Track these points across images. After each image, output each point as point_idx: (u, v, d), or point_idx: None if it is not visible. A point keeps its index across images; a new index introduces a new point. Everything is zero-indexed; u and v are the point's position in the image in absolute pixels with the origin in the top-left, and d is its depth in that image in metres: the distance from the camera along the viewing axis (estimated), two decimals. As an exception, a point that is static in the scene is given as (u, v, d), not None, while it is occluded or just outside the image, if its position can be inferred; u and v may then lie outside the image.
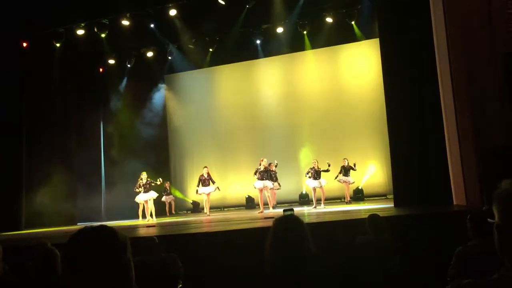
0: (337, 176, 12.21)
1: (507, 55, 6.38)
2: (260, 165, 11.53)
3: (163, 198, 14.23)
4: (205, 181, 12.19)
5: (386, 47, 9.25)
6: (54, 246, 3.58)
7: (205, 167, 12.40)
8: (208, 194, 12.26)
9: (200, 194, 12.35)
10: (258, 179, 11.54)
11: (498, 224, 1.27)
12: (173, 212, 14.49)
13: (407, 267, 4.12)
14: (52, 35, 12.67)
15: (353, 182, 12.52)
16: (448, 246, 3.69)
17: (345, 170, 12.26)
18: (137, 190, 12.11)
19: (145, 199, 12.09)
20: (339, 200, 13.08)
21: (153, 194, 12.07)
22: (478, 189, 6.55)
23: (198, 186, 12.26)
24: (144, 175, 12.18)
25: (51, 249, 3.51)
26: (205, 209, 12.43)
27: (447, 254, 3.57)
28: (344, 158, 12.41)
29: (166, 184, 14.33)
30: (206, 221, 10.51)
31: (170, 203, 14.58)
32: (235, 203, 14.49)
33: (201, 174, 12.29)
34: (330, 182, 12.15)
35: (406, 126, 8.59)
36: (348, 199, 12.33)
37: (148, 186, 12.05)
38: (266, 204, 11.83)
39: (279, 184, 12.22)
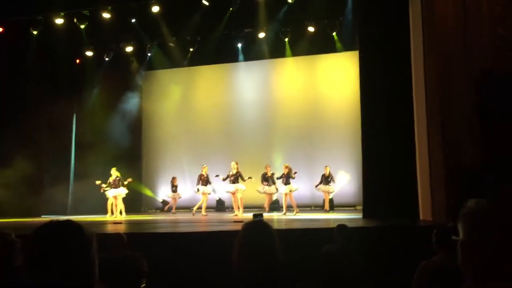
0: (318, 185, 12.26)
1: (481, 74, 6.52)
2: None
3: (169, 195, 13.86)
4: (204, 181, 12.11)
5: (365, 60, 9.37)
6: (17, 237, 3.47)
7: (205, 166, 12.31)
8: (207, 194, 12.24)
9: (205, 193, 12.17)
10: (230, 182, 11.51)
11: (462, 241, 1.30)
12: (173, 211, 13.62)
13: (372, 278, 4.17)
14: (30, 22, 12.40)
15: (333, 192, 12.39)
16: (412, 259, 3.75)
17: (326, 179, 12.24)
18: (105, 188, 11.92)
19: (113, 194, 11.94)
20: (309, 208, 13.14)
21: (122, 191, 11.92)
22: (445, 206, 6.69)
23: (198, 184, 12.12)
24: (113, 171, 12.03)
25: (11, 240, 3.40)
26: (202, 209, 12.10)
27: (411, 268, 3.63)
28: (326, 166, 12.41)
29: (174, 181, 13.77)
30: (174, 221, 10.43)
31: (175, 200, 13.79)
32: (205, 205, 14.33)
33: (201, 173, 12.19)
34: (301, 189, 12.19)
35: (379, 140, 8.71)
36: (327, 208, 12.20)
37: (117, 182, 11.91)
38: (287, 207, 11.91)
39: (276, 188, 11.96)
